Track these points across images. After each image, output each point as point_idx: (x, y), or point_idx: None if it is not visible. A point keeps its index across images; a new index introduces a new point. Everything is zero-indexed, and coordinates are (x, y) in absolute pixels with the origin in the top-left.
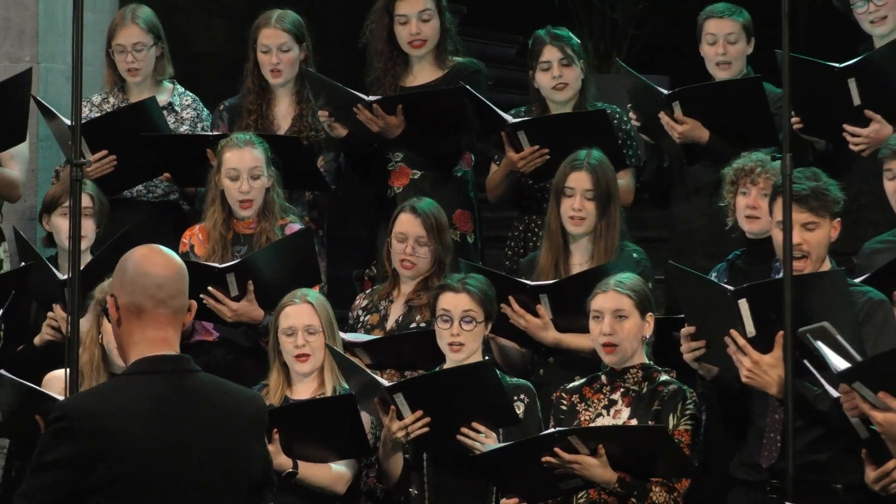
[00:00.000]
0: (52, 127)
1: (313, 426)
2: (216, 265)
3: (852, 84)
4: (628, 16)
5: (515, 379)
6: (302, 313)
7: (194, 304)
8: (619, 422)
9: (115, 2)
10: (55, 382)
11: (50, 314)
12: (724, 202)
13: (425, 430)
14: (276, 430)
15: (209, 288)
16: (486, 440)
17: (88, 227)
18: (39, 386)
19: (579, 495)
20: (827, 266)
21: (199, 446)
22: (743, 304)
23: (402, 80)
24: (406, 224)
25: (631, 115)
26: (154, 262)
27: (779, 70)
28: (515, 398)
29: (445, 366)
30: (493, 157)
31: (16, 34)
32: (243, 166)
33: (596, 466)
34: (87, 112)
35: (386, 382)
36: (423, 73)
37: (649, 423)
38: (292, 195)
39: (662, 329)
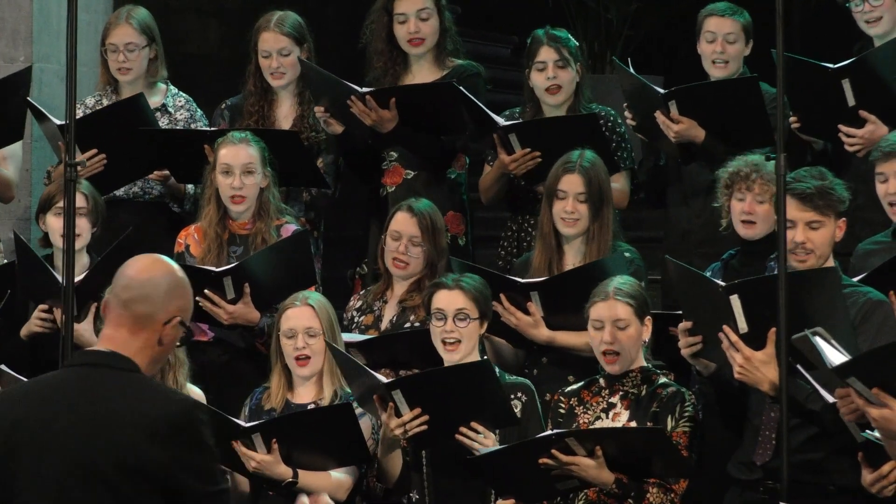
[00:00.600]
0: (43, 128)
1: (312, 435)
2: (213, 269)
3: (846, 85)
4: (622, 16)
5: (514, 377)
6: (303, 316)
7: (176, 321)
8: (619, 425)
9: (110, 2)
10: None
11: (42, 306)
12: (718, 203)
13: (423, 428)
14: (274, 439)
15: (205, 291)
16: (484, 441)
17: (83, 227)
18: None
19: (578, 497)
20: (830, 265)
21: (76, 439)
22: (734, 301)
23: (402, 80)
24: (402, 223)
25: (627, 113)
26: (134, 264)
27: (775, 70)
28: (513, 397)
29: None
30: (486, 159)
31: (10, 34)
32: (236, 162)
33: (593, 468)
34: (81, 115)
35: (384, 379)
36: (422, 74)
37: (648, 425)
38: (289, 195)
39: (659, 324)
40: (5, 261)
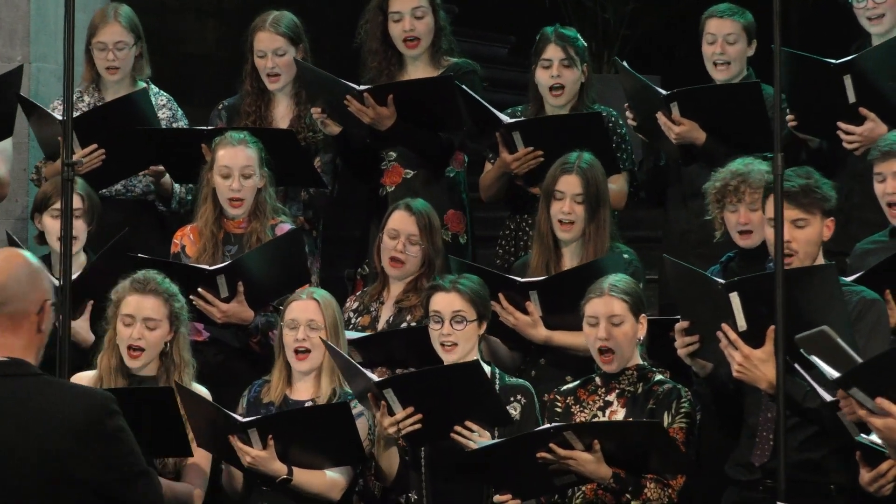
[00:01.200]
0: (34, 125)
1: (308, 433)
2: (206, 267)
3: (848, 81)
4: (620, 16)
5: (514, 379)
6: (307, 308)
7: (48, 305)
8: None
9: (107, 2)
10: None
11: None
12: (709, 216)
13: (417, 426)
14: (270, 436)
15: (199, 289)
16: (478, 440)
17: (79, 228)
18: None
19: (576, 494)
20: (822, 263)
21: (10, 450)
22: (734, 298)
23: (397, 79)
24: (399, 221)
25: (628, 113)
26: None
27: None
28: (513, 399)
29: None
30: (487, 156)
31: (7, 34)
32: (235, 164)
33: (591, 462)
34: (62, 111)
35: (376, 378)
36: (417, 73)
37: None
38: (287, 194)
39: (656, 330)
40: None
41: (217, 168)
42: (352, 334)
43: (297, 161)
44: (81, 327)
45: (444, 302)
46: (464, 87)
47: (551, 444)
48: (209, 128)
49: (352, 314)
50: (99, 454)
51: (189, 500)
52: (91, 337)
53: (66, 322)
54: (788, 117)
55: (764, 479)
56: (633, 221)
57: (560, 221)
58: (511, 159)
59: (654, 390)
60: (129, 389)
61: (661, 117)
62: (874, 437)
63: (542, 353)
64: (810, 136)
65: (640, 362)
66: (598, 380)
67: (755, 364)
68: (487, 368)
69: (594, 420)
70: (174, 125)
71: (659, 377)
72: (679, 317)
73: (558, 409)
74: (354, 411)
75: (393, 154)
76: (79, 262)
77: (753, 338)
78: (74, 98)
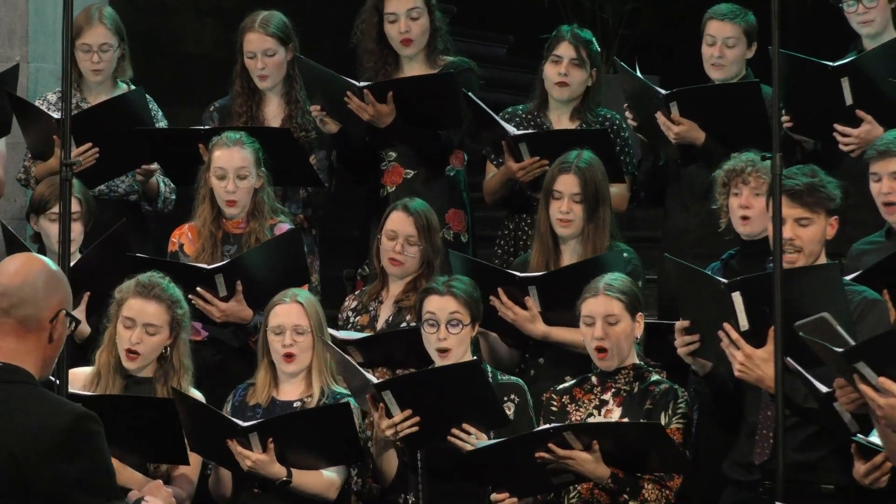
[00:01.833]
0: (23, 123)
1: (308, 434)
2: (204, 266)
3: (845, 83)
4: (618, 16)
5: (507, 377)
6: (291, 313)
7: (62, 315)
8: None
9: (105, 2)
10: (74, 380)
11: None
12: (716, 204)
13: (415, 429)
14: (270, 439)
15: (198, 289)
16: (475, 442)
17: (76, 230)
18: None
19: (571, 494)
20: (822, 262)
21: None
22: (737, 298)
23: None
24: (397, 222)
25: (627, 114)
26: (4, 269)
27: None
28: (506, 398)
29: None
30: (490, 157)
31: (5, 34)
32: (231, 165)
33: (589, 462)
34: (45, 110)
35: (375, 379)
36: (413, 72)
37: (642, 420)
38: (286, 193)
39: (656, 333)
40: None
41: (213, 169)
42: (352, 334)
43: (293, 159)
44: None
45: (439, 305)
46: (471, 94)
47: (550, 444)
48: (207, 127)
49: (350, 313)
50: (68, 471)
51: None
52: (87, 329)
53: None
54: (784, 118)
55: (763, 480)
56: (632, 221)
57: (559, 220)
58: (517, 168)
59: (650, 390)
60: (131, 398)
61: (660, 117)
62: (872, 438)
63: (541, 352)
64: (806, 137)
65: (637, 361)
66: (594, 379)
67: (757, 364)
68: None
69: (589, 419)
70: (157, 125)
71: (655, 377)
72: (675, 319)
73: (554, 408)
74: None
75: (393, 154)
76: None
77: (755, 337)
78: (55, 98)
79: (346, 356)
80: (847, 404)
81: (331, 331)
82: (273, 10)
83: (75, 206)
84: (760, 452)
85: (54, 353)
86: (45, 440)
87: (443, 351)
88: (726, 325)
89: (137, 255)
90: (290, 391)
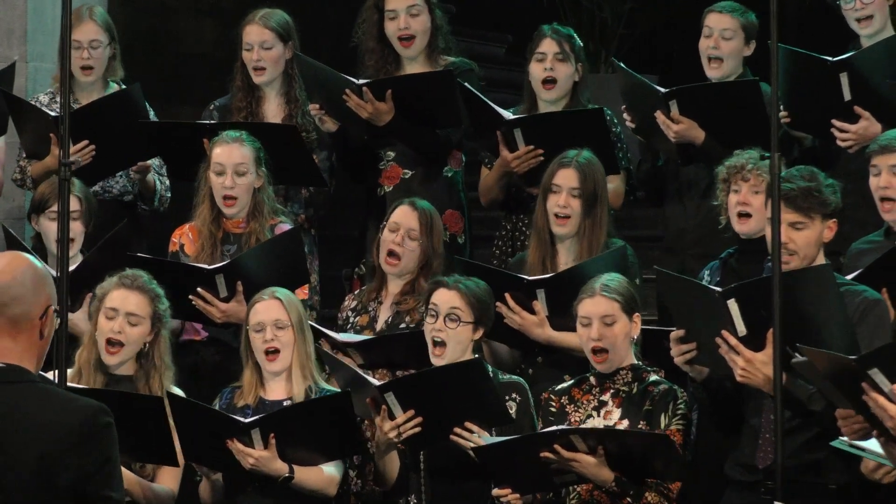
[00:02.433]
0: (18, 122)
1: (308, 427)
2: (205, 266)
3: (844, 79)
4: (617, 15)
5: (508, 376)
6: (271, 308)
7: (51, 310)
8: (611, 423)
9: (104, 1)
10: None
11: None
12: (717, 201)
13: (417, 429)
14: (272, 434)
15: (198, 289)
16: (478, 441)
17: (76, 230)
18: None
19: (571, 494)
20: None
21: (5, 456)
22: (732, 305)
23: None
24: (402, 215)
25: (626, 115)
26: None
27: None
28: (507, 397)
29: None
30: (483, 161)
31: (4, 33)
32: (229, 161)
33: (593, 465)
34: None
35: (377, 382)
36: (413, 72)
37: (641, 423)
38: (289, 193)
39: (654, 338)
40: None
41: (212, 166)
42: (352, 337)
43: (297, 157)
44: (80, 319)
45: (443, 298)
46: (465, 84)
47: (556, 445)
48: (212, 122)
49: (350, 313)
50: (88, 464)
51: (170, 502)
52: (87, 328)
53: (64, 320)
54: (782, 114)
55: (765, 481)
56: (630, 220)
57: (556, 215)
58: (511, 157)
59: (649, 391)
60: (118, 393)
61: (659, 116)
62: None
63: (540, 352)
64: (804, 133)
65: (635, 362)
66: (592, 379)
67: (758, 367)
68: None
69: (588, 420)
70: None
71: (654, 377)
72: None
73: (553, 409)
74: None
75: (391, 154)
76: (75, 265)
77: (754, 341)
78: (47, 100)
79: (344, 362)
80: (851, 434)
81: (330, 333)
82: (276, 8)
83: (75, 205)
84: (764, 456)
85: (44, 350)
86: (68, 436)
87: (437, 343)
88: (724, 332)
89: (139, 254)
90: (278, 390)
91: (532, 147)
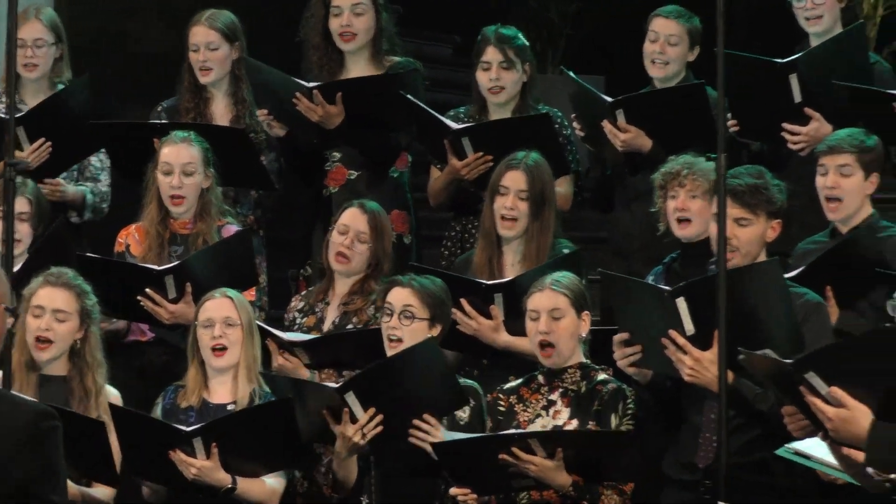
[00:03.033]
0: None
1: (250, 435)
2: (154, 267)
3: (794, 80)
4: (564, 16)
5: (463, 380)
6: (222, 306)
7: (1, 308)
8: (559, 422)
9: (51, 2)
10: None
11: None
12: (655, 208)
13: (380, 428)
14: (214, 444)
15: (147, 290)
16: (434, 432)
17: (25, 231)
18: None
19: (521, 495)
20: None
21: None
22: (681, 303)
23: (337, 76)
24: (351, 218)
25: (575, 124)
26: None
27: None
28: None
29: None
30: (432, 161)
31: None
32: (177, 161)
33: (551, 469)
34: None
35: (334, 385)
36: (357, 71)
37: (590, 423)
38: (238, 194)
39: (600, 339)
40: None
41: (160, 165)
42: (299, 335)
43: (245, 160)
44: None
45: (398, 296)
46: (409, 96)
47: (514, 448)
48: (163, 122)
49: (297, 314)
50: (32, 467)
51: None
52: None
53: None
54: (730, 122)
55: (704, 480)
56: (578, 222)
57: (503, 217)
58: (461, 165)
59: (598, 390)
60: (62, 410)
61: (606, 125)
62: (798, 446)
63: (486, 354)
64: (752, 140)
65: (583, 360)
66: (540, 378)
67: (706, 366)
68: None
69: (537, 419)
70: None
71: (602, 376)
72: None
73: (501, 408)
74: None
75: (337, 155)
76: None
77: (702, 340)
78: None
79: (298, 377)
80: (796, 431)
81: (277, 332)
82: (224, 9)
83: (25, 207)
84: (704, 455)
85: None
86: (12, 439)
87: (392, 340)
88: (672, 332)
89: (88, 254)
90: (222, 392)
91: (481, 154)
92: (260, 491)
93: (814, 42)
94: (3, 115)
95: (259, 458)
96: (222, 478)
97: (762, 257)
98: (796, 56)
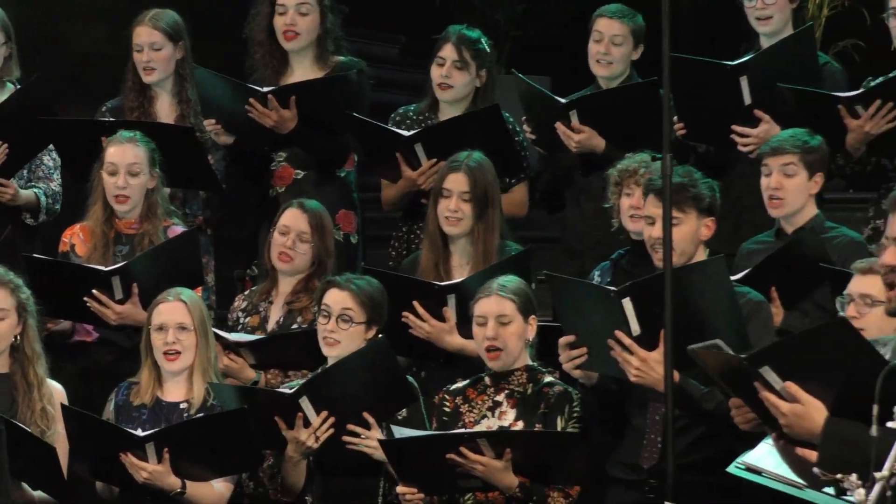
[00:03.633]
0: None
1: (203, 442)
2: (101, 268)
3: (744, 82)
4: (509, 17)
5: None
6: (175, 311)
7: None
8: (505, 423)
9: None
10: None
11: None
12: (609, 204)
13: (332, 431)
14: (166, 449)
15: (93, 291)
16: (373, 434)
17: None
18: None
19: (466, 496)
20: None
21: None
22: (627, 304)
23: (281, 75)
24: (291, 218)
25: (525, 127)
26: None
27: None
28: None
29: (327, 363)
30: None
31: None
32: (122, 161)
33: (499, 470)
34: None
35: (288, 391)
36: (302, 70)
37: (536, 425)
38: (187, 194)
39: (550, 335)
40: None
41: (105, 165)
42: (244, 336)
43: (192, 159)
44: None
45: (336, 299)
46: (355, 114)
47: (462, 448)
48: (111, 119)
49: (240, 314)
50: None
51: None
52: None
53: None
54: (677, 126)
55: (649, 479)
56: (528, 221)
57: (447, 219)
58: (416, 175)
59: (544, 392)
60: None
61: (560, 127)
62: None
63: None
64: (700, 143)
65: (530, 363)
66: (487, 379)
67: (652, 367)
68: None
69: (483, 421)
70: None
71: (549, 379)
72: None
73: (447, 409)
74: None
75: (283, 154)
76: None
77: (648, 340)
78: None
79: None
80: (743, 424)
81: (222, 333)
82: (167, 8)
83: None
84: (648, 456)
85: None
86: None
87: (329, 340)
88: (618, 333)
89: (34, 255)
90: (175, 391)
91: (435, 160)
92: (209, 495)
93: (764, 42)
94: None
95: (210, 464)
96: (172, 482)
97: (700, 255)
98: (746, 58)
